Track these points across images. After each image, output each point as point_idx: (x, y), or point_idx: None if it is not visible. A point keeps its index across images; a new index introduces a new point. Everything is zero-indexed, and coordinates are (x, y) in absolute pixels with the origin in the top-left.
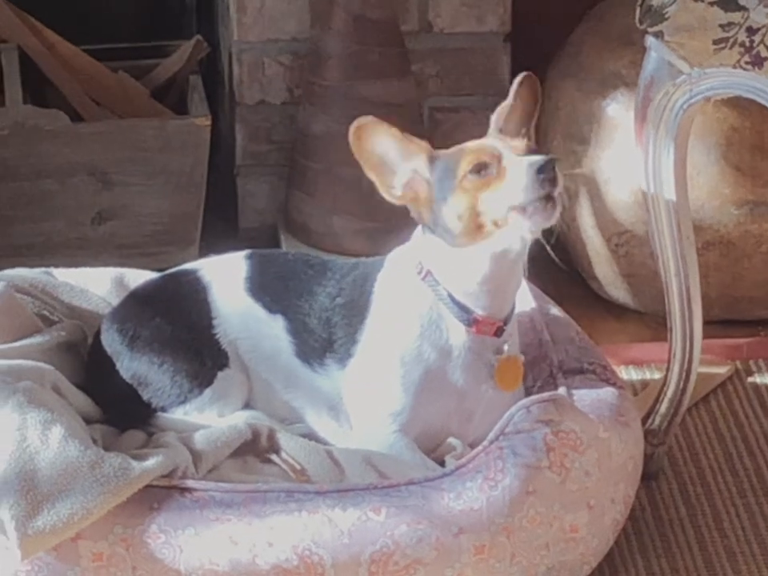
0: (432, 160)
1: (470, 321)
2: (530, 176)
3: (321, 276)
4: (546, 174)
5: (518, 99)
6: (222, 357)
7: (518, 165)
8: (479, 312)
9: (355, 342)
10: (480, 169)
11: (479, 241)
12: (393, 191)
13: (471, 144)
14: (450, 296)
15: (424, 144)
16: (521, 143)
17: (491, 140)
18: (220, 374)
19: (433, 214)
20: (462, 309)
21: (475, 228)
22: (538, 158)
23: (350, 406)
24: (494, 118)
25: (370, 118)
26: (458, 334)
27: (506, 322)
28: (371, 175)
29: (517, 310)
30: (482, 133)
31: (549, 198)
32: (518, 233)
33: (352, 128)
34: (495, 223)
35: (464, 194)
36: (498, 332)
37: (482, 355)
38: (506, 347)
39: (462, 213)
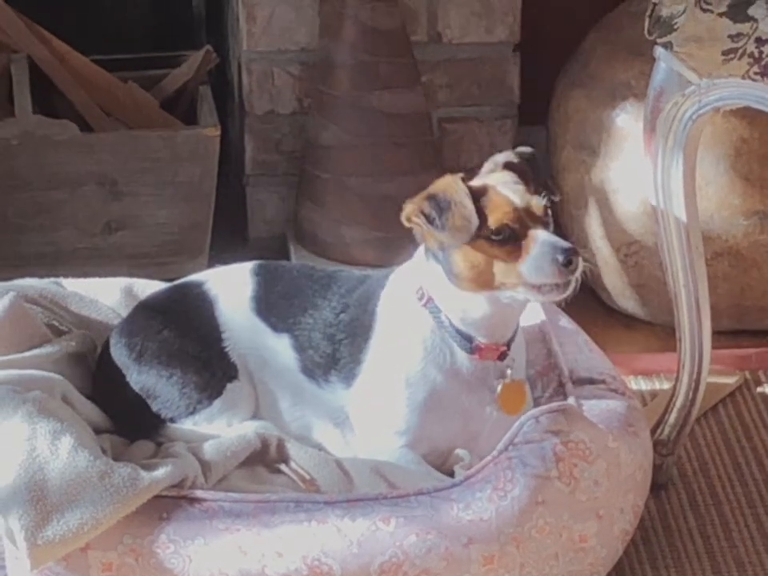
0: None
1: (472, 348)
2: (553, 265)
3: (325, 290)
4: (570, 266)
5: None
6: (231, 369)
7: (542, 247)
8: (481, 339)
9: (359, 363)
10: (501, 233)
11: (484, 292)
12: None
13: (495, 196)
14: (452, 324)
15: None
16: (540, 204)
17: (512, 192)
18: (229, 386)
19: (442, 249)
20: (464, 337)
21: (483, 282)
22: (563, 246)
23: (356, 425)
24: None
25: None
26: (461, 359)
27: (509, 344)
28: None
29: (526, 321)
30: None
31: (566, 285)
32: (528, 297)
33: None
34: (504, 285)
35: (481, 250)
36: (501, 356)
37: (486, 380)
38: (509, 371)
39: (474, 265)
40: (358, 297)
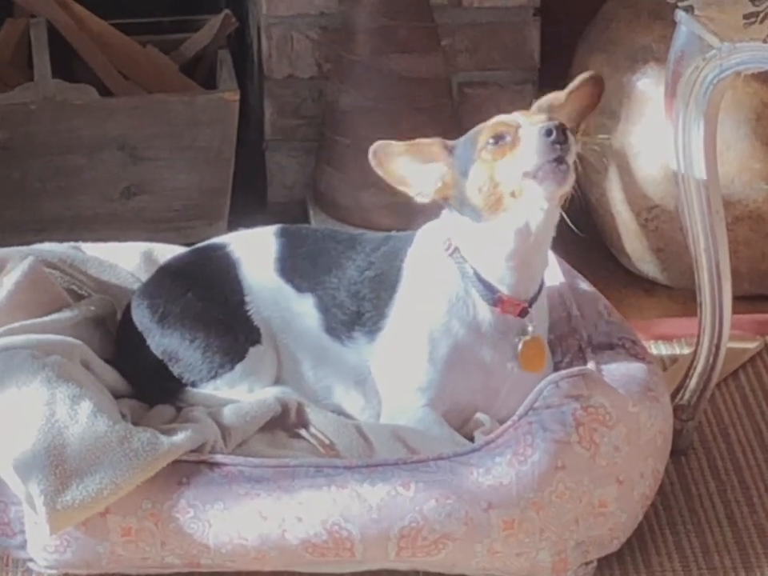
0: (449, 147)
1: (495, 300)
2: (539, 139)
3: (350, 249)
4: (554, 136)
5: (576, 96)
6: (254, 333)
7: (530, 131)
8: (504, 291)
9: (384, 317)
10: (498, 139)
11: (500, 214)
12: (424, 196)
13: (492, 119)
14: (476, 274)
15: (435, 140)
16: (543, 117)
17: (513, 114)
18: (252, 350)
19: (457, 192)
20: (488, 288)
21: (495, 200)
22: (548, 125)
23: (378, 380)
24: (540, 103)
25: (380, 143)
26: (484, 312)
27: (530, 303)
28: (400, 188)
29: (546, 285)
30: (511, 108)
31: (559, 161)
32: (535, 203)
33: (370, 154)
34: (512, 194)
35: (483, 165)
36: (523, 313)
37: (507, 335)
38: (530, 328)
39: (481, 184)
40: (383, 253)
